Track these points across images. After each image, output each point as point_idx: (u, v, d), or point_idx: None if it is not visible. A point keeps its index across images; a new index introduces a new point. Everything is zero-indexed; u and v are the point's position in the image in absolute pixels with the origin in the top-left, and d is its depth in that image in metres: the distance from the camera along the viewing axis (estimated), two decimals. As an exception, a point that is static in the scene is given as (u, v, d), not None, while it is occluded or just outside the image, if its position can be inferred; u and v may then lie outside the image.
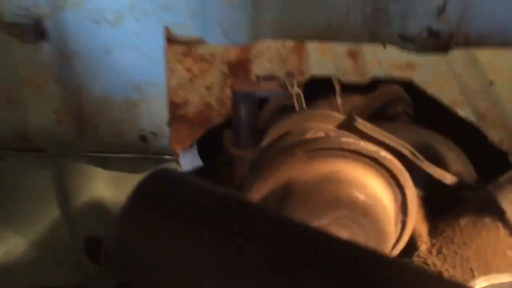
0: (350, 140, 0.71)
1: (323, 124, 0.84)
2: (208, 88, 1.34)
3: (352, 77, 1.45)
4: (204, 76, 1.37)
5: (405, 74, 1.43)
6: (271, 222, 0.46)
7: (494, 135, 1.25)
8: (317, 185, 0.69)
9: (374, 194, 0.70)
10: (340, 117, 0.85)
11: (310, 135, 0.75)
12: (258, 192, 0.71)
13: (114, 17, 0.83)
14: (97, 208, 1.11)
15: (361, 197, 0.69)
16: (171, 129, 0.97)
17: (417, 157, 0.85)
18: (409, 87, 1.40)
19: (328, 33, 0.85)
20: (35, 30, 0.82)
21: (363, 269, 0.42)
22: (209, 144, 1.48)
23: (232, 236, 0.44)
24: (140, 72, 0.89)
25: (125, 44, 0.86)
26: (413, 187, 0.75)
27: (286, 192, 0.70)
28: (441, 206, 0.86)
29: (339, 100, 1.43)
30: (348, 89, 1.45)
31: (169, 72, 1.37)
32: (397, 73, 1.44)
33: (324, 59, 1.49)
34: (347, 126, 0.84)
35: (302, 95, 1.02)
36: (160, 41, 0.86)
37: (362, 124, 0.83)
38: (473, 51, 1.50)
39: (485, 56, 1.49)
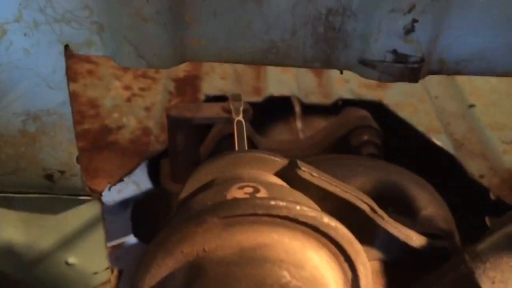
0: (281, 204, 0.53)
1: (257, 170, 0.67)
2: (147, 109, 1.16)
3: (315, 98, 1.29)
4: (144, 95, 1.20)
5: (375, 94, 1.28)
6: None
7: (474, 167, 1.09)
8: (235, 264, 0.52)
9: (313, 277, 0.53)
10: (280, 161, 0.68)
11: (232, 192, 0.58)
12: (160, 270, 0.54)
13: (-4, 31, 0.66)
14: (4, 252, 0.94)
15: (293, 282, 0.51)
16: (82, 167, 0.79)
17: (377, 213, 0.69)
18: (379, 108, 1.24)
19: (271, 56, 0.68)
20: None
21: None
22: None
23: None
24: (37, 99, 0.72)
25: (12, 64, 0.68)
26: (367, 262, 0.58)
27: (195, 271, 0.53)
28: (409, 273, 0.70)
29: (299, 123, 1.27)
30: (312, 110, 1.30)
31: (104, 91, 1.19)
32: (366, 93, 1.29)
33: (285, 77, 1.33)
34: (289, 173, 0.67)
35: (244, 124, 0.85)
36: (59, 62, 0.69)
37: (307, 172, 0.67)
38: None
39: (463, 76, 1.33)
